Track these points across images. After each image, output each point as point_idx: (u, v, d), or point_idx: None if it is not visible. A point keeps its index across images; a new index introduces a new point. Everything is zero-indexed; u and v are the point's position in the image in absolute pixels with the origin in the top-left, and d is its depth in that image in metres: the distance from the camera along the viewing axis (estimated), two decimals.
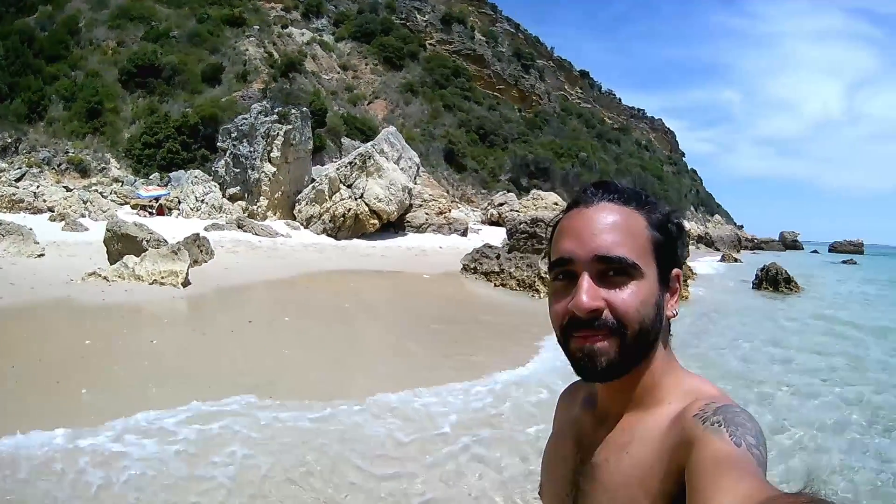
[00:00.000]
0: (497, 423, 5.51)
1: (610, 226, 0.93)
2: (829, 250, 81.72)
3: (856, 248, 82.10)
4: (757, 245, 74.29)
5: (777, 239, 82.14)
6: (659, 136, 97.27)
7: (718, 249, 52.31)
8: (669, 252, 0.97)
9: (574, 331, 0.92)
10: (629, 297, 0.90)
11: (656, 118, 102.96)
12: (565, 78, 77.00)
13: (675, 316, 0.98)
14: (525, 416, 5.63)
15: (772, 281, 20.49)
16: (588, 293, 0.89)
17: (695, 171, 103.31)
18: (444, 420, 5.36)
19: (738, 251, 53.40)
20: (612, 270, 0.91)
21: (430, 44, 56.11)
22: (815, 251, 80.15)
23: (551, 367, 6.98)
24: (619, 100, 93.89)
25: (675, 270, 0.98)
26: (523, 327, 9.82)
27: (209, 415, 5.02)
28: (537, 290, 13.75)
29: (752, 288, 20.79)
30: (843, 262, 52.05)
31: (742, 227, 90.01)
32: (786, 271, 20.75)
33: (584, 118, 72.20)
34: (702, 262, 30.14)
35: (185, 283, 11.15)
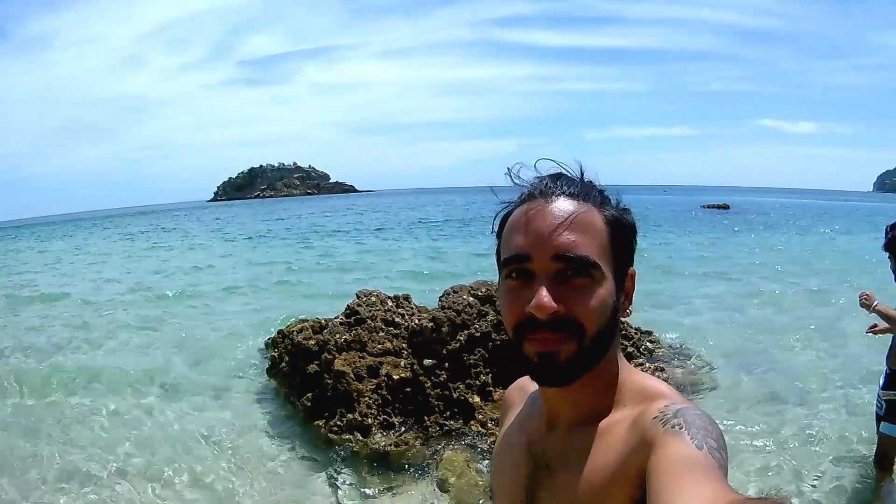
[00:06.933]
0: None
1: (570, 223, 0.87)
2: None
3: None
4: None
5: None
6: None
7: None
8: (626, 250, 0.94)
9: (530, 332, 0.87)
10: (589, 298, 0.86)
11: None
12: None
13: (627, 315, 0.96)
14: None
15: None
16: (548, 295, 0.84)
17: None
18: None
19: None
20: (571, 270, 0.86)
21: None
22: None
23: None
24: None
25: (631, 269, 0.96)
26: None
27: None
28: None
29: None
30: None
31: None
32: None
33: None
34: None
35: None
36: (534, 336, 0.87)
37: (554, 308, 0.84)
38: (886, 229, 4.05)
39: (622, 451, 0.85)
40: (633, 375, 0.96)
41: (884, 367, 4.21)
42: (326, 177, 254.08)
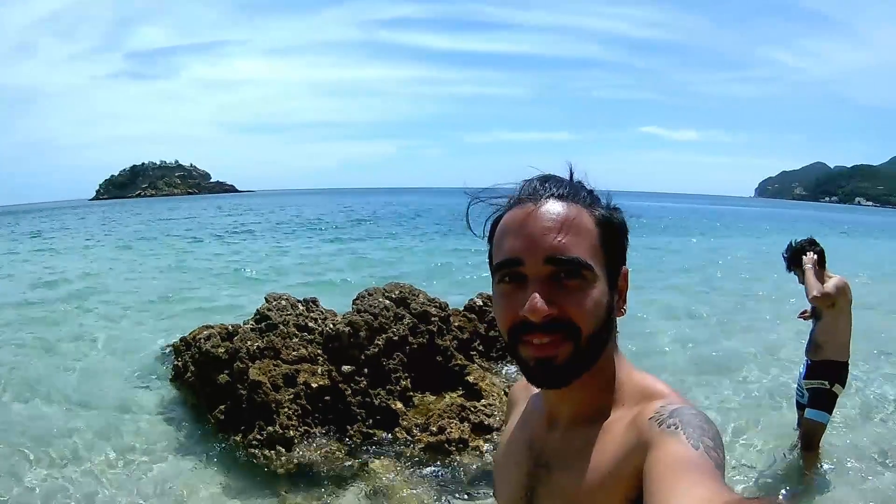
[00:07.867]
0: None
1: (561, 225, 0.89)
2: None
3: None
4: None
5: None
6: None
7: None
8: (618, 249, 0.95)
9: (525, 335, 0.88)
10: (582, 299, 0.87)
11: None
12: None
13: (623, 315, 0.97)
14: None
15: None
16: (541, 298, 0.85)
17: None
18: None
19: None
20: (564, 272, 0.88)
21: None
22: None
23: None
24: None
25: (623, 268, 0.97)
26: None
27: None
28: None
29: None
30: None
31: None
32: None
33: None
34: None
35: None
36: (528, 338, 0.88)
37: (547, 311, 0.85)
38: (783, 255, 4.45)
39: (619, 452, 0.87)
40: (632, 374, 0.97)
41: (804, 359, 4.56)
42: (207, 176, 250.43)
